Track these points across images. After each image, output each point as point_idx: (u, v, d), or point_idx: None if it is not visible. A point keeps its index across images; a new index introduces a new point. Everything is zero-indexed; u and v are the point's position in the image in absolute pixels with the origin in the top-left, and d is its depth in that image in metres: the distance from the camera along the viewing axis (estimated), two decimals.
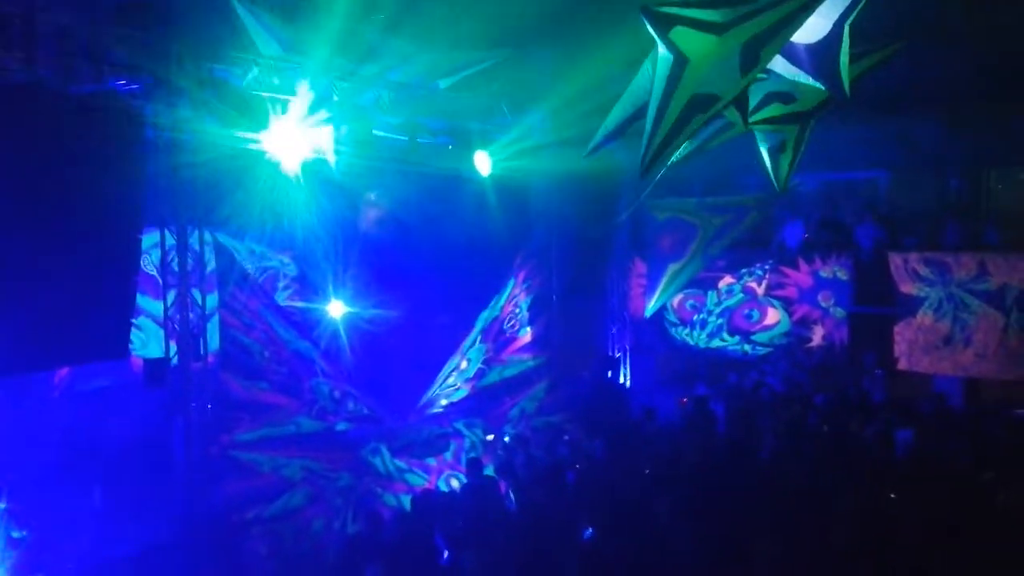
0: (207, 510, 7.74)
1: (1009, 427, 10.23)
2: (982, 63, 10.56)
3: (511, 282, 10.73)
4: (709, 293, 14.57)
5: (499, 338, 10.56)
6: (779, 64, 5.79)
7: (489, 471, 8.85)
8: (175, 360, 8.02)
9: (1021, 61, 10.30)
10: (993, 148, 12.54)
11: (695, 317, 14.75)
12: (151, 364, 8.09)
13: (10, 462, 7.97)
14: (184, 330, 8.01)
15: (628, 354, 14.47)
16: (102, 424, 9.47)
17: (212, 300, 8.19)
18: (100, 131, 6.83)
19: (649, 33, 5.30)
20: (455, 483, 8.67)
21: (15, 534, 6.56)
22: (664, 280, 13.96)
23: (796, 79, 5.93)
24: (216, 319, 7.90)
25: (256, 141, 8.91)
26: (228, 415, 7.69)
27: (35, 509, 6.93)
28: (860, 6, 5.53)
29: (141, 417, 8.61)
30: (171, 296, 8.12)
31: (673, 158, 7.18)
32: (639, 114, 5.85)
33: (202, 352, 8.15)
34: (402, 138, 10.43)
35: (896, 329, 12.71)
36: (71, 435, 9.19)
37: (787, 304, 13.92)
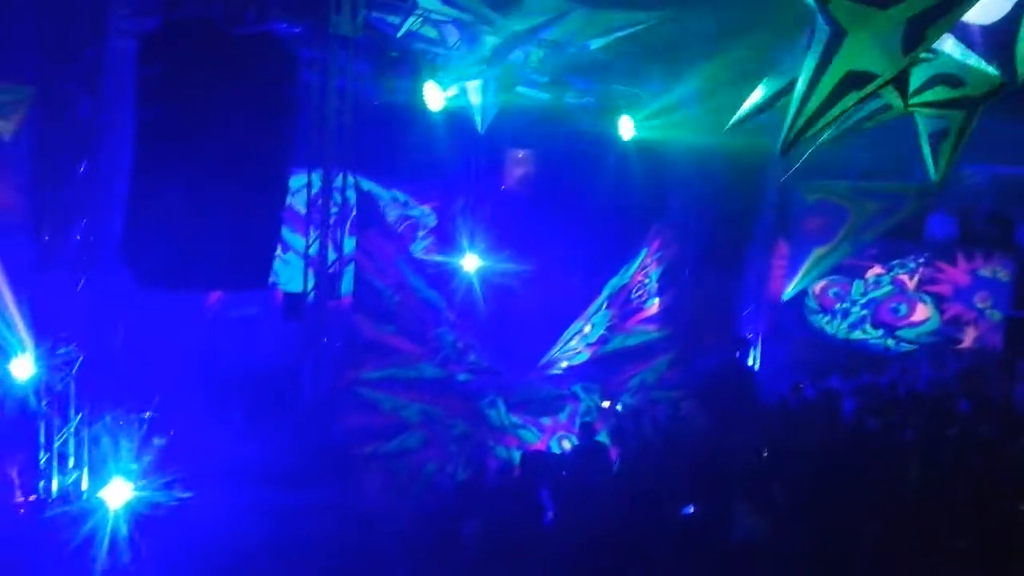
0: (330, 439, 8.14)
1: None
2: None
3: (644, 251, 10.61)
4: (855, 282, 13.89)
5: (625, 306, 10.48)
6: (948, 44, 5.39)
7: (602, 437, 8.88)
8: (312, 297, 8.41)
9: None
10: None
11: (837, 306, 14.11)
12: (290, 298, 8.53)
13: (161, 377, 8.64)
14: (322, 269, 8.37)
15: (761, 337, 14.05)
16: (244, 350, 10.08)
17: (351, 243, 8.49)
18: (259, 71, 7.18)
19: (807, 3, 5.04)
20: (566, 444, 8.74)
21: (156, 440, 7.12)
22: (807, 264, 13.42)
23: (966, 61, 5.51)
24: (353, 262, 8.19)
25: (407, 91, 9.13)
26: (357, 354, 8.01)
27: (176, 420, 7.46)
28: None
29: (279, 347, 9.12)
30: (313, 236, 8.48)
31: (822, 138, 6.86)
32: (788, 88, 5.59)
33: (338, 292, 8.51)
34: (549, 96, 10.39)
35: None
36: (216, 357, 9.85)
37: (939, 301, 13.12)
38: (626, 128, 10.34)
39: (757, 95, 6.06)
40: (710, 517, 6.25)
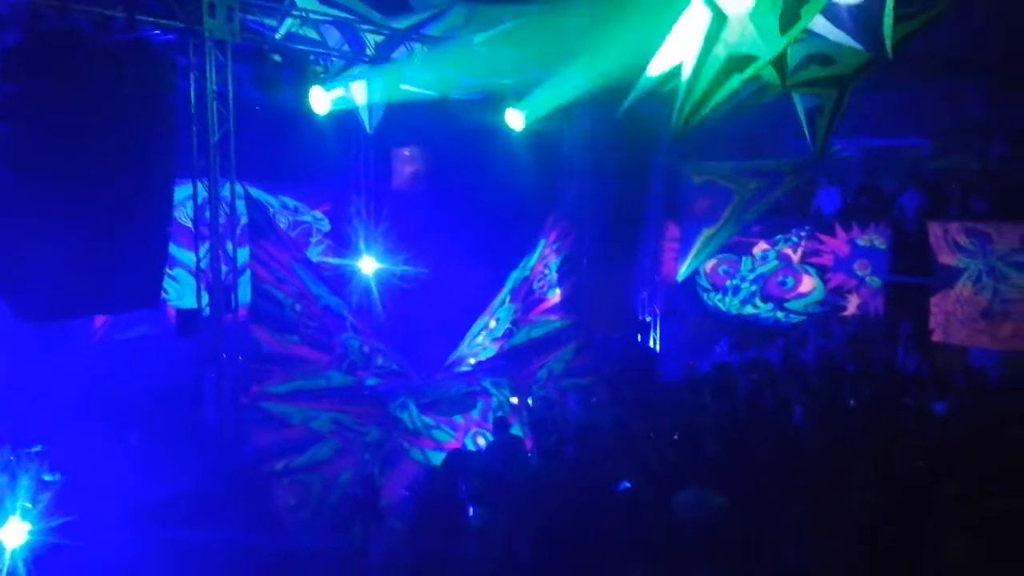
0: (238, 459, 7.90)
1: None
2: None
3: (542, 241, 10.68)
4: (743, 259, 14.39)
5: (528, 298, 10.53)
6: (819, 24, 5.64)
7: (516, 430, 8.92)
8: (207, 311, 8.13)
9: None
10: None
11: (728, 283, 14.59)
12: (184, 315, 8.23)
13: (47, 406, 8.19)
14: (216, 282, 8.10)
15: (659, 318, 14.41)
16: (138, 372, 9.69)
17: (244, 253, 8.25)
18: (132, 81, 6.86)
19: None
20: (481, 441, 8.73)
21: (47, 477, 6.73)
22: (697, 244, 13.79)
23: (837, 40, 5.77)
24: (248, 272, 7.95)
25: (291, 94, 8.91)
26: (259, 367, 7.77)
27: (70, 453, 7.09)
28: None
29: (175, 366, 8.78)
30: (204, 248, 8.20)
31: (709, 118, 7.07)
32: (675, 72, 5.73)
33: (233, 304, 8.26)
34: (435, 94, 10.34)
35: (933, 300, 12.49)
36: (107, 382, 9.42)
37: (822, 272, 13.72)
38: (515, 120, 10.38)
39: (644, 80, 6.21)
40: (642, 497, 6.37)
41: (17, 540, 6.19)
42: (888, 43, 5.58)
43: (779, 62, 5.56)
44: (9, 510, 6.24)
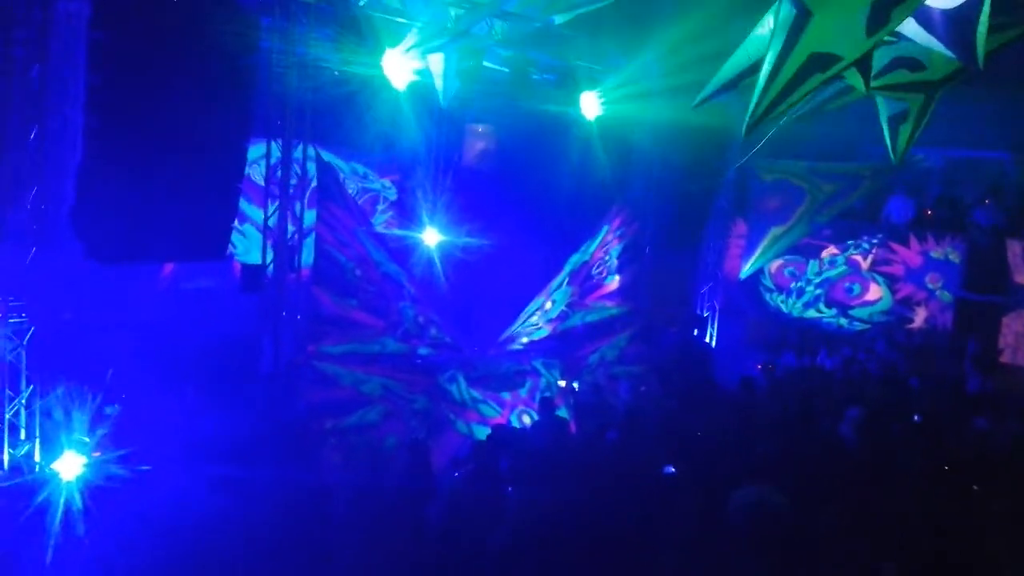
0: (289, 414, 8.09)
1: None
2: None
3: (605, 228, 10.64)
4: (810, 261, 14.11)
5: (586, 283, 10.52)
6: (910, 28, 5.46)
7: (562, 412, 8.94)
8: (271, 269, 8.31)
9: None
10: None
11: (792, 284, 14.34)
12: (248, 270, 8.43)
13: (114, 350, 8.48)
14: (281, 241, 8.27)
15: (717, 314, 14.24)
16: (200, 323, 9.95)
17: (311, 216, 8.40)
18: (217, 38, 7.02)
19: None
20: (527, 419, 8.78)
21: (108, 410, 7.00)
22: (764, 243, 13.59)
23: (927, 45, 5.59)
24: (313, 234, 8.11)
25: (369, 62, 9.00)
26: (317, 327, 7.95)
27: (130, 394, 7.35)
28: None
29: (237, 320, 9.00)
30: (272, 207, 8.37)
31: (785, 118, 6.92)
32: (754, 68, 5.62)
33: (297, 264, 8.43)
34: (511, 71, 10.33)
35: (1005, 320, 12.10)
36: (171, 330, 9.70)
37: (891, 281, 13.39)
38: (589, 106, 10.33)
39: (722, 74, 6.11)
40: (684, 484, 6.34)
41: (74, 472, 6.48)
42: (981, 52, 5.39)
43: (863, 64, 5.40)
44: (65, 443, 6.52)
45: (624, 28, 10.04)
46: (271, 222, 8.39)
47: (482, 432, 7.99)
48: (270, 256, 8.35)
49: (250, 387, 8.39)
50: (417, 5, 9.17)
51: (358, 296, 8.07)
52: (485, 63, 10.27)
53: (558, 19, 9.86)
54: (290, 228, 8.38)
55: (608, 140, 11.65)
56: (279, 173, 8.33)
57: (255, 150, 8.36)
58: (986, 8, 5.28)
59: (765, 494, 5.67)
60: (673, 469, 6.69)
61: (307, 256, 8.45)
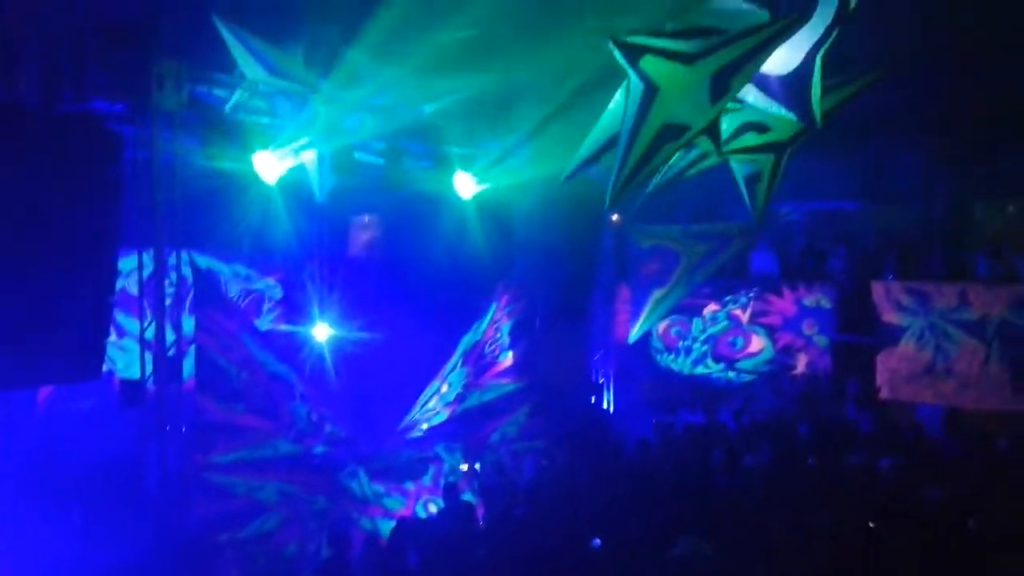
0: (180, 532, 7.70)
1: (989, 458, 10.25)
2: (966, 95, 10.66)
3: (493, 305, 10.76)
4: (694, 320, 14.60)
5: (480, 362, 10.56)
6: (752, 94, 5.85)
7: (467, 496, 8.84)
8: (151, 382, 8.01)
9: (1006, 93, 10.41)
10: (978, 179, 12.70)
11: (680, 343, 14.76)
12: (127, 386, 8.09)
13: None
14: (161, 353, 8.00)
15: (612, 380, 14.47)
16: (82, 444, 9.43)
17: (190, 323, 8.18)
18: (78, 152, 6.83)
19: (619, 61, 5.36)
20: (432, 508, 8.63)
21: None
22: (648, 306, 14.00)
23: (769, 110, 5.98)
24: (194, 343, 7.89)
25: (240, 164, 8.96)
26: (204, 437, 7.66)
27: (10, 525, 6.88)
28: (831, 39, 5.59)
29: (120, 438, 8.58)
30: (148, 319, 8.11)
31: (649, 187, 7.25)
32: (612, 142, 5.90)
33: (179, 375, 8.14)
34: (386, 161, 10.46)
35: (879, 358, 12.76)
36: (52, 456, 9.15)
37: (771, 332, 13.95)
38: (465, 187, 10.53)
39: (584, 150, 6.37)
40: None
41: None
42: (817, 111, 5.81)
43: (712, 131, 5.75)
44: None
45: (493, 110, 10.36)
46: (148, 334, 8.11)
47: (388, 527, 7.80)
48: (149, 369, 8.05)
49: (139, 506, 7.97)
50: (284, 105, 9.24)
51: (245, 400, 7.84)
52: (359, 155, 10.36)
53: (427, 108, 10.11)
54: (169, 338, 8.12)
55: (489, 219, 11.86)
56: (154, 283, 8.11)
57: (128, 262, 8.12)
58: (818, 71, 5.72)
59: (698, 544, 5.77)
60: (599, 542, 6.68)
61: (189, 366, 8.17)
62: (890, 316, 12.63)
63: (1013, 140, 11.51)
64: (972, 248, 12.85)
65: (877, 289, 12.75)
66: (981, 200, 13.35)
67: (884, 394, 12.68)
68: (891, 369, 12.65)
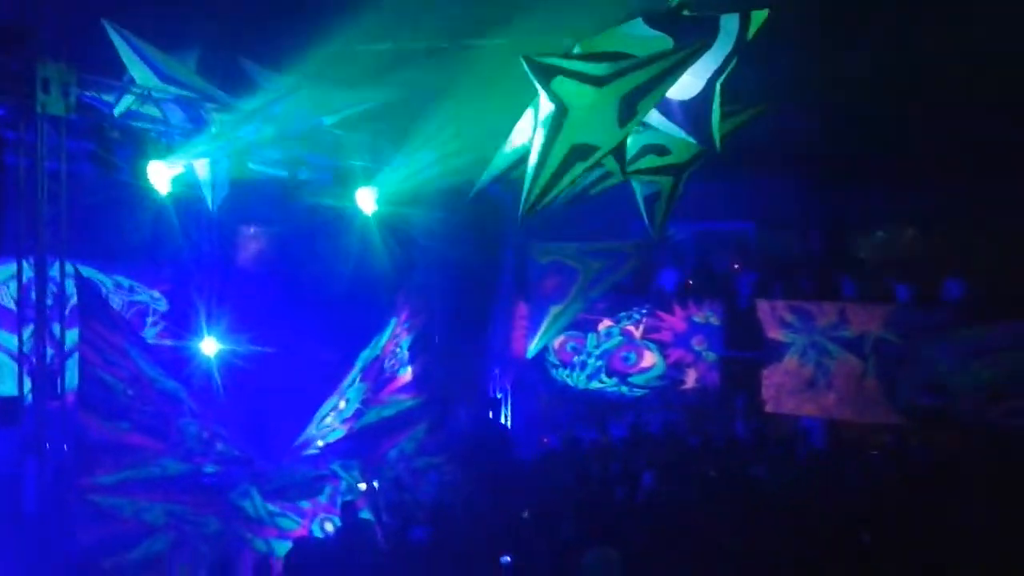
0: (62, 556, 7.27)
1: (866, 466, 10.80)
2: (840, 129, 11.32)
3: (393, 320, 10.63)
4: (589, 335, 14.83)
5: (379, 378, 10.41)
6: (655, 118, 6.03)
7: (365, 514, 8.68)
8: (29, 398, 7.55)
9: (874, 132, 11.11)
10: (851, 208, 13.47)
11: (575, 358, 14.97)
12: (3, 402, 7.62)
13: None
14: (40, 367, 7.56)
15: (510, 394, 14.55)
16: None
17: (72, 336, 7.76)
18: None
19: (532, 81, 5.43)
20: (329, 527, 8.43)
21: None
22: (546, 322, 14.18)
23: (671, 133, 6.19)
24: (76, 356, 7.48)
25: (128, 171, 8.60)
26: (87, 457, 7.26)
27: None
28: (731, 67, 5.83)
29: None
30: (28, 331, 7.66)
31: (555, 203, 7.35)
32: (522, 159, 5.96)
33: (59, 390, 7.70)
34: (283, 173, 10.24)
35: (764, 373, 13.28)
36: None
37: (663, 347, 14.31)
38: (366, 201, 10.41)
39: (493, 167, 6.43)
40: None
41: None
42: (716, 136, 6.05)
43: (618, 152, 5.89)
44: None
45: (394, 124, 10.29)
46: (26, 347, 7.66)
47: (283, 548, 7.57)
48: (28, 385, 7.59)
49: (16, 532, 7.48)
50: (177, 113, 8.95)
51: (130, 418, 7.47)
52: (254, 166, 10.11)
53: (327, 120, 9.96)
54: (49, 352, 7.67)
55: (389, 233, 11.77)
56: (33, 294, 7.66)
57: (5, 270, 7.66)
58: (717, 97, 5.96)
59: (608, 552, 5.82)
60: (509, 559, 6.65)
61: (71, 380, 7.75)
62: (775, 333, 13.18)
63: (882, 172, 12.29)
64: (847, 270, 13.55)
65: (763, 307, 13.29)
66: (854, 228, 14.13)
67: (769, 408, 13.20)
68: (776, 384, 13.18)
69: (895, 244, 13.98)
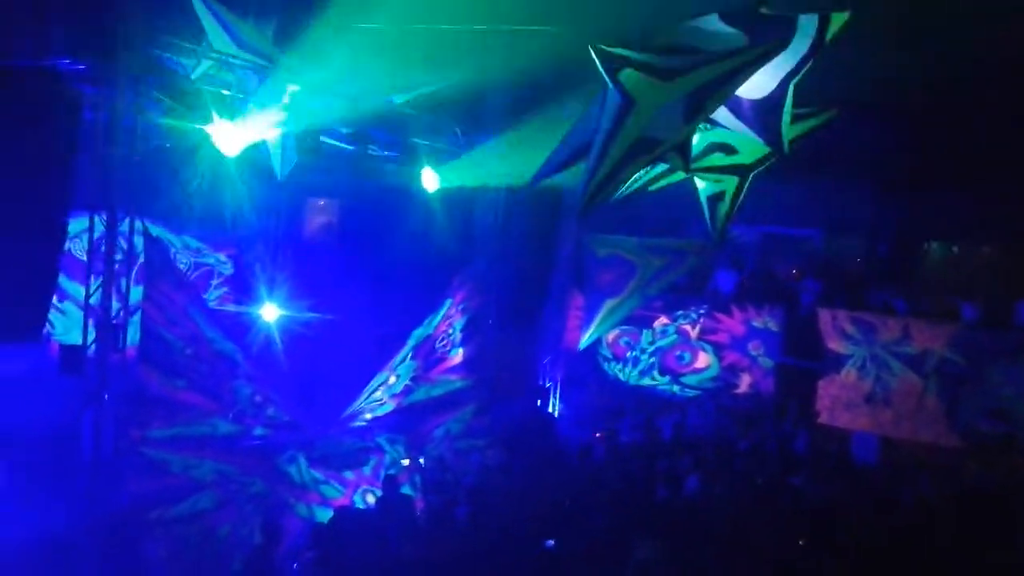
0: (110, 506, 7.51)
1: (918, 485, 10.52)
2: (915, 139, 10.97)
3: (448, 301, 10.71)
4: (644, 332, 14.73)
5: (430, 357, 10.50)
6: (723, 116, 5.92)
7: (406, 489, 8.79)
8: (92, 349, 7.80)
9: (952, 141, 10.73)
10: (924, 219, 13.05)
11: (628, 354, 14.89)
12: (67, 351, 7.86)
13: None
14: (105, 320, 7.79)
15: (560, 385, 14.53)
16: (14, 409, 9.14)
17: (137, 292, 7.99)
18: (36, 108, 6.66)
19: (600, 73, 5.38)
20: (371, 498, 8.56)
21: None
22: (600, 315, 14.11)
23: (739, 132, 6.07)
24: (140, 312, 7.70)
25: (200, 134, 8.78)
26: (143, 411, 7.48)
27: None
28: (806, 68, 5.68)
29: (56, 405, 8.34)
30: (95, 284, 7.90)
31: (615, 196, 7.29)
32: (584, 150, 5.91)
33: (121, 344, 7.93)
34: (351, 147, 10.35)
35: (820, 383, 13.02)
36: None
37: (718, 349, 14.14)
38: (430, 181, 10.47)
39: (555, 156, 6.38)
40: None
41: None
42: (785, 139, 5.91)
43: (683, 148, 5.79)
44: None
45: (462, 107, 10.32)
46: (93, 300, 7.90)
47: (324, 515, 7.72)
48: (92, 336, 7.83)
49: (72, 476, 7.76)
50: (252, 80, 9.08)
51: (187, 376, 7.67)
52: (324, 139, 10.23)
53: (397, 99, 10.02)
54: (115, 306, 7.90)
55: (450, 215, 11.82)
56: (103, 248, 7.89)
57: (77, 223, 7.91)
58: (789, 99, 5.82)
59: (657, 549, 5.82)
60: (552, 543, 6.68)
61: (133, 336, 7.98)
62: (835, 344, 12.91)
63: (963, 183, 11.87)
64: (914, 284, 13.18)
65: (824, 316, 13.01)
66: (928, 238, 13.72)
67: (823, 419, 12.94)
68: (832, 395, 12.93)
69: (968, 260, 13.54)
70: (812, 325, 13.13)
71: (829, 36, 5.50)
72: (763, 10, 5.70)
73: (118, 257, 7.95)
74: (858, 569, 7.24)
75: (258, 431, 8.21)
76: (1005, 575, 7.32)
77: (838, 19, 5.43)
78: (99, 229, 7.93)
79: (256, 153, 9.74)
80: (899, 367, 12.36)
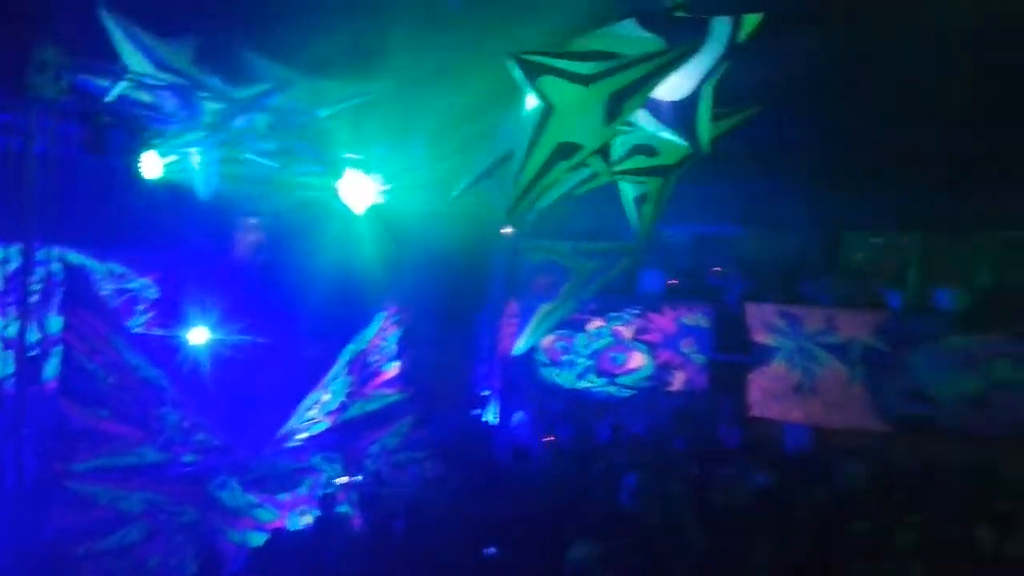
0: (36, 541, 7.25)
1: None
2: (837, 131, 11.29)
3: (381, 315, 10.62)
4: (578, 335, 14.83)
5: (364, 371, 10.40)
6: (643, 118, 6.01)
7: (343, 508, 8.68)
8: (10, 383, 7.52)
9: (872, 135, 11.08)
10: (847, 212, 13.42)
11: (564, 358, 14.97)
12: None
13: None
14: (22, 353, 7.53)
15: (497, 392, 14.53)
16: None
17: (57, 322, 7.74)
18: None
19: (518, 80, 5.41)
20: (307, 519, 8.42)
21: None
22: (535, 320, 14.14)
23: (660, 134, 6.16)
24: (61, 343, 7.46)
25: (122, 157, 8.57)
26: (65, 443, 7.24)
27: None
28: (722, 69, 5.81)
29: None
30: (12, 316, 7.63)
31: (542, 202, 7.33)
32: (507, 158, 5.94)
33: (41, 377, 7.68)
34: (275, 165, 10.20)
35: (751, 377, 13.28)
36: None
37: (652, 348, 14.32)
38: (355, 194, 10.38)
39: (478, 164, 6.40)
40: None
41: None
42: (705, 138, 6.03)
43: (604, 152, 5.87)
44: None
45: (388, 119, 10.25)
46: (10, 332, 7.63)
47: (258, 540, 7.56)
48: (10, 369, 7.56)
49: None
50: (171, 100, 8.90)
51: (111, 405, 7.46)
52: (249, 156, 10.06)
53: (322, 112, 9.91)
54: (33, 337, 7.65)
55: (380, 228, 11.71)
56: (20, 279, 7.63)
57: None
58: (707, 99, 5.94)
59: (592, 548, 5.83)
60: (493, 550, 6.66)
61: (52, 367, 7.72)
62: (763, 337, 13.19)
63: (883, 176, 12.26)
64: (838, 275, 13.55)
65: (751, 311, 13.29)
66: (850, 232, 14.12)
67: (755, 412, 13.20)
68: (762, 388, 13.20)
69: (890, 251, 13.98)
70: (741, 320, 13.40)
71: (742, 37, 5.63)
72: (679, 13, 5.81)
73: (36, 288, 7.70)
74: (790, 550, 7.39)
75: (187, 457, 8.03)
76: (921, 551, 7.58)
77: (751, 21, 5.56)
78: (15, 259, 7.68)
79: (181, 174, 9.53)
80: (825, 356, 12.68)
